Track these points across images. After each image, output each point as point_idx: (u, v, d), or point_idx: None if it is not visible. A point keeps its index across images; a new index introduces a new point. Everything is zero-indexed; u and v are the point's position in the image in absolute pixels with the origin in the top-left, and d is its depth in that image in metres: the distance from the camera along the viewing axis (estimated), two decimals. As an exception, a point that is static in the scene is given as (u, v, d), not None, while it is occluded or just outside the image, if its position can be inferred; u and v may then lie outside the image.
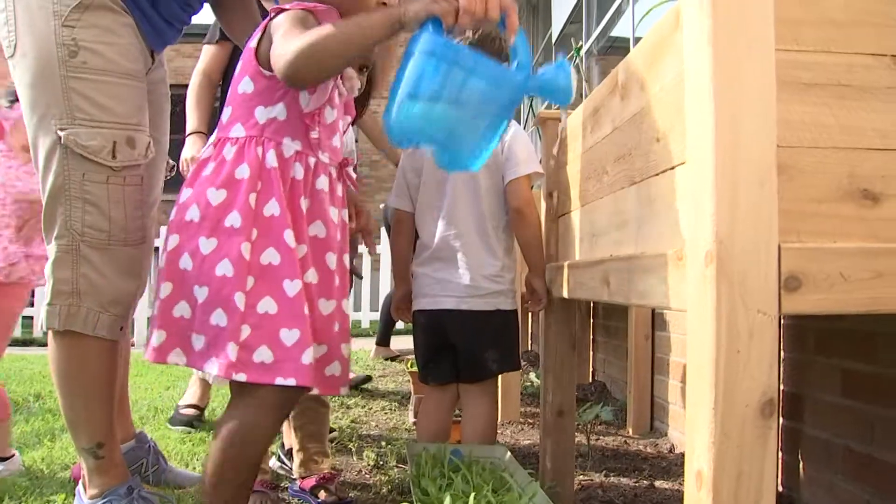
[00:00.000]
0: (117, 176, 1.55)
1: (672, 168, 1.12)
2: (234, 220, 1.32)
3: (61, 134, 1.50)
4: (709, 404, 0.91)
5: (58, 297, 1.54)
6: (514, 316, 1.91)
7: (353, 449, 2.48)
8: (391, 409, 3.31)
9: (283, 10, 1.36)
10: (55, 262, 1.54)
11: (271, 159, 1.35)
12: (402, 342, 4.55)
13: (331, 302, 1.42)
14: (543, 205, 2.05)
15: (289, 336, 1.31)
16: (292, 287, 1.33)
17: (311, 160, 1.40)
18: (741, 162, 0.92)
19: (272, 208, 1.33)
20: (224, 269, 1.31)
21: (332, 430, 2.54)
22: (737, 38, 0.93)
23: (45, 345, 1.59)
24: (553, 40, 7.43)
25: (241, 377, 1.30)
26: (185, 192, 1.38)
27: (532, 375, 3.61)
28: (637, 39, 4.75)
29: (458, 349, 1.88)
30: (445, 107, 1.25)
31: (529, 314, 4.61)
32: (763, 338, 0.90)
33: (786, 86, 0.97)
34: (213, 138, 1.42)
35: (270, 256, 1.33)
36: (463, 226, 1.88)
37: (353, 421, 3.03)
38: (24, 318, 7.26)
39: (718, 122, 0.92)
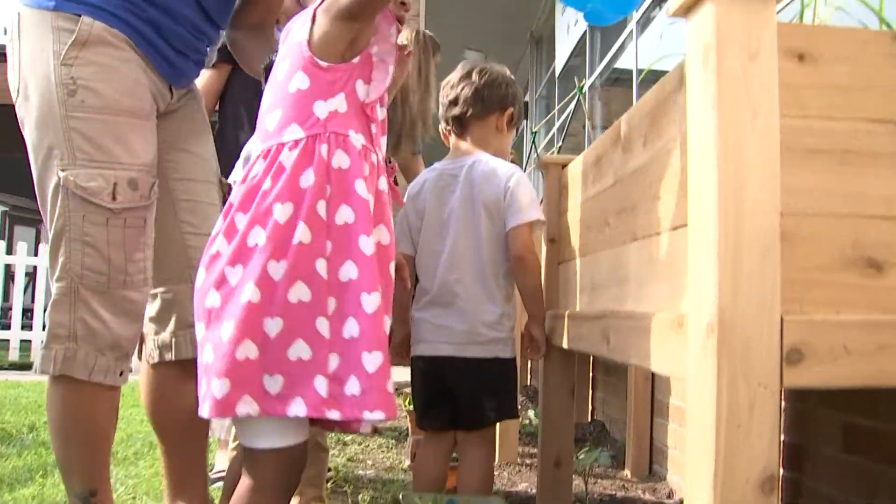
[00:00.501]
0: (118, 218, 1.51)
1: (674, 229, 1.11)
2: (303, 235, 1.18)
3: (61, 175, 1.47)
4: (708, 477, 0.89)
5: (54, 341, 1.50)
6: (513, 364, 1.89)
7: (349, 491, 2.44)
8: (388, 447, 3.28)
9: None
10: (53, 305, 1.51)
11: (340, 158, 1.23)
12: (401, 373, 4.50)
13: (388, 319, 1.29)
14: (545, 250, 2.04)
15: (371, 361, 1.17)
16: (371, 302, 1.19)
17: (374, 157, 1.30)
18: (744, 231, 0.91)
19: (345, 215, 1.22)
20: (299, 293, 1.17)
21: (329, 470, 2.51)
22: (741, 103, 0.92)
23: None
24: (556, 74, 7.47)
25: (335, 415, 1.16)
26: (240, 220, 1.22)
27: (531, 413, 3.58)
28: (640, 71, 4.77)
29: (457, 396, 1.85)
30: None
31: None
32: (764, 411, 0.88)
33: (790, 152, 0.96)
34: (256, 150, 1.29)
35: (349, 271, 1.20)
36: (463, 271, 1.86)
37: (349, 459, 2.99)
38: (22, 341, 7.26)
39: (722, 190, 0.91)
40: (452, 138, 2.01)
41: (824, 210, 0.97)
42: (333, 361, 1.18)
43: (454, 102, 1.97)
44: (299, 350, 1.16)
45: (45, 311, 1.56)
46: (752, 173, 0.92)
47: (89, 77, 1.48)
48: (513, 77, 2.01)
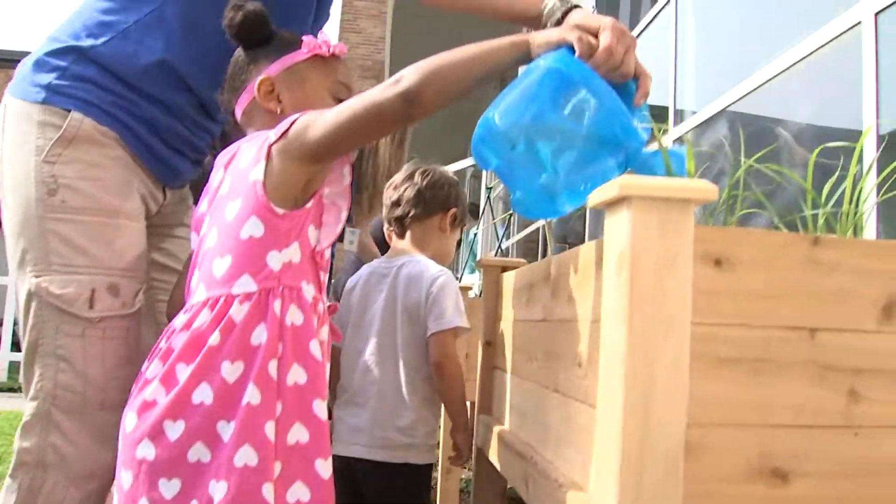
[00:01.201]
0: (95, 328, 1.37)
1: (589, 405, 1.10)
2: (252, 396, 1.13)
3: (34, 282, 1.35)
4: None
5: (20, 469, 1.35)
6: (426, 470, 1.88)
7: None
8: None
9: (288, 127, 1.22)
10: (23, 428, 1.37)
11: (293, 314, 1.18)
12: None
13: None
14: (480, 353, 2.02)
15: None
16: (325, 469, 1.22)
17: (321, 307, 1.27)
18: (648, 447, 0.89)
19: (297, 375, 1.18)
20: (246, 457, 1.11)
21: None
22: (653, 317, 0.91)
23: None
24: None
25: None
26: (182, 371, 1.16)
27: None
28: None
29: (366, 499, 1.85)
30: (560, 123, 1.13)
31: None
32: None
33: (702, 361, 0.95)
34: (200, 295, 1.21)
35: (298, 434, 1.18)
36: (379, 374, 1.87)
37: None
38: (11, 362, 7.00)
39: (627, 406, 0.89)
40: (393, 237, 2.01)
41: (732, 420, 0.97)
42: None
43: (396, 203, 1.97)
44: None
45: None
46: (660, 389, 0.91)
47: (72, 175, 1.38)
48: (456, 179, 2.02)
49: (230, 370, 1.14)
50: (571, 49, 1.13)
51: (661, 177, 1.04)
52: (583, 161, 1.12)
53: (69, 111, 1.39)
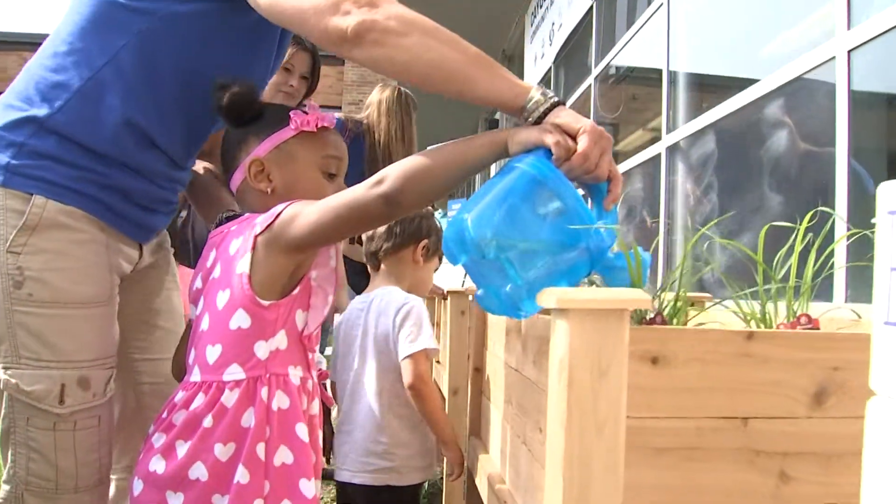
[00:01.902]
0: (66, 422, 1.36)
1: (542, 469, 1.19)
2: (241, 476, 1.22)
3: (3, 376, 1.33)
4: None
5: None
6: (410, 490, 1.99)
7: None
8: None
9: (273, 220, 1.25)
10: None
11: (280, 399, 1.26)
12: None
13: None
14: (470, 378, 2.11)
15: None
16: None
17: (310, 384, 1.34)
18: (586, 535, 0.99)
19: (284, 456, 1.26)
20: None
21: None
22: (589, 418, 0.99)
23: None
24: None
25: None
26: (181, 447, 1.25)
27: None
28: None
29: None
30: (529, 228, 1.18)
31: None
32: None
33: (638, 451, 1.04)
34: (195, 376, 1.29)
35: None
36: (361, 402, 1.99)
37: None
38: None
39: (567, 498, 0.98)
40: (371, 272, 2.11)
41: (667, 503, 1.05)
42: None
43: (370, 238, 2.07)
44: None
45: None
46: (597, 481, 0.99)
47: (39, 267, 1.33)
48: (429, 210, 2.11)
49: (223, 451, 1.23)
50: (549, 150, 1.17)
51: (602, 288, 1.11)
52: (549, 265, 1.17)
53: (31, 195, 1.33)
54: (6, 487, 1.38)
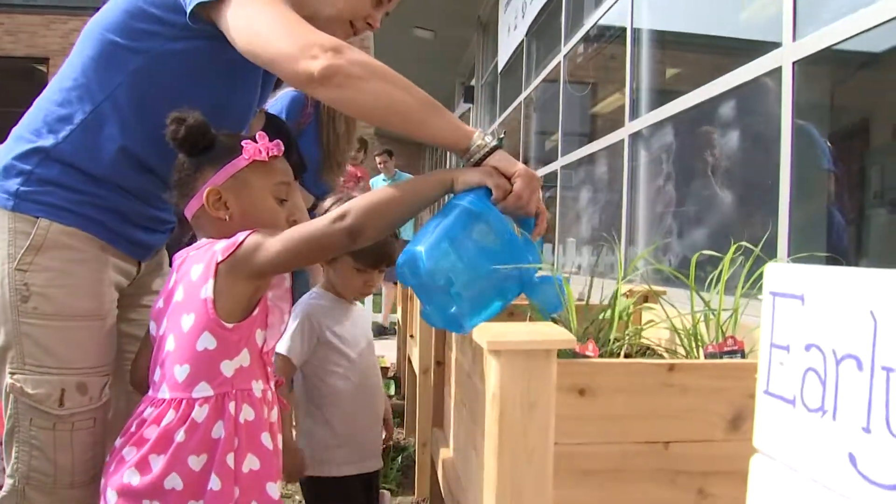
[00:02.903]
0: (65, 423, 1.49)
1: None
2: (214, 483, 1.32)
3: (9, 381, 1.47)
4: None
5: None
6: (327, 482, 2.05)
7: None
8: None
9: (236, 248, 1.33)
10: (1, 501, 1.53)
11: (246, 412, 1.36)
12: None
13: None
14: (433, 372, 2.20)
15: None
16: None
17: (269, 394, 1.44)
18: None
19: (251, 463, 1.36)
20: None
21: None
22: (519, 448, 1.07)
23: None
24: (499, 70, 7.55)
25: None
26: (155, 461, 1.34)
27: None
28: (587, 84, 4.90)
29: None
30: (474, 259, 1.31)
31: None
32: None
33: (568, 473, 1.12)
34: (163, 392, 1.37)
35: None
36: None
37: None
38: None
39: (498, 521, 1.07)
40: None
41: (594, 520, 1.14)
42: None
43: None
44: None
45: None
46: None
47: (43, 284, 1.47)
48: None
49: (196, 461, 1.32)
50: (488, 189, 1.33)
51: (531, 328, 1.18)
52: (487, 287, 1.33)
53: (37, 218, 1.46)
54: (10, 481, 1.51)
